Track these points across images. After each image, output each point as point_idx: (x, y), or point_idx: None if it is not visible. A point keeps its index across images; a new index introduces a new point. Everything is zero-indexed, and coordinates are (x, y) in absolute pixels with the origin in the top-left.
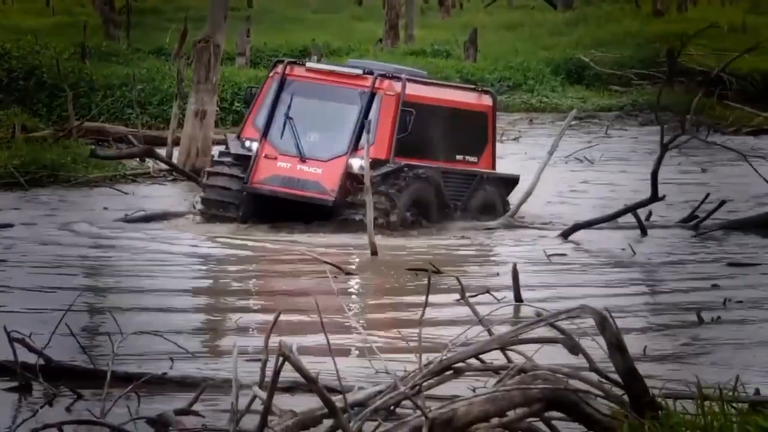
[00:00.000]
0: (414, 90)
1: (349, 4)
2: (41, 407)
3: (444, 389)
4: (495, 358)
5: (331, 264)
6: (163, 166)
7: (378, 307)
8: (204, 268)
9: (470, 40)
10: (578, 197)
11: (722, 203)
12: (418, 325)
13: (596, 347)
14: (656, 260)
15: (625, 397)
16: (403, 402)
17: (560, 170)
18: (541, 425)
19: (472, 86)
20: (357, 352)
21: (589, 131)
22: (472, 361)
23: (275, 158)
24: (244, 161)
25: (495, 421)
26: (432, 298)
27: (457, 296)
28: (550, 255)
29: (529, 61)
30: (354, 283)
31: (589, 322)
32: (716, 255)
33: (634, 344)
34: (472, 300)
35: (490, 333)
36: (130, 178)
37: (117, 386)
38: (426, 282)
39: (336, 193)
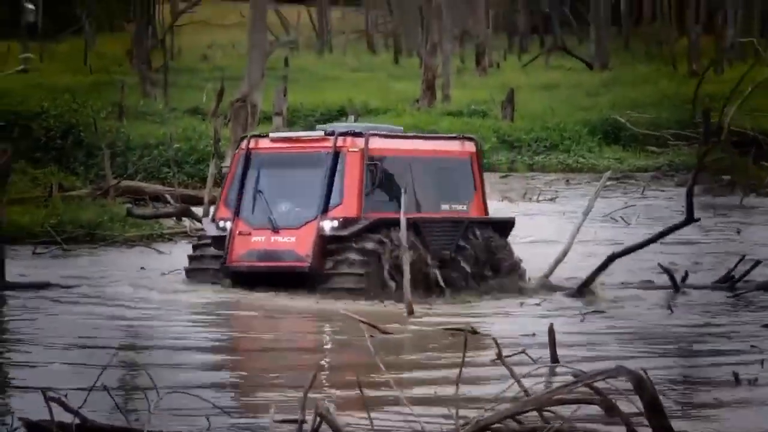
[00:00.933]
0: (380, 144)
1: (386, 64)
2: None
3: None
4: (532, 417)
5: (368, 323)
6: (200, 225)
7: (414, 365)
8: (237, 326)
9: (507, 100)
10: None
11: (757, 264)
12: (455, 384)
13: (633, 406)
14: (692, 320)
15: None
16: None
17: (596, 230)
18: None
19: (454, 135)
20: (394, 411)
21: (625, 191)
22: (509, 422)
23: (249, 234)
24: (221, 241)
25: None
26: (469, 358)
27: (493, 356)
28: (585, 313)
29: (566, 122)
30: (392, 342)
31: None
32: (753, 316)
33: (670, 403)
34: (508, 360)
35: (526, 393)
36: (167, 237)
37: None
38: (463, 342)
39: (311, 258)
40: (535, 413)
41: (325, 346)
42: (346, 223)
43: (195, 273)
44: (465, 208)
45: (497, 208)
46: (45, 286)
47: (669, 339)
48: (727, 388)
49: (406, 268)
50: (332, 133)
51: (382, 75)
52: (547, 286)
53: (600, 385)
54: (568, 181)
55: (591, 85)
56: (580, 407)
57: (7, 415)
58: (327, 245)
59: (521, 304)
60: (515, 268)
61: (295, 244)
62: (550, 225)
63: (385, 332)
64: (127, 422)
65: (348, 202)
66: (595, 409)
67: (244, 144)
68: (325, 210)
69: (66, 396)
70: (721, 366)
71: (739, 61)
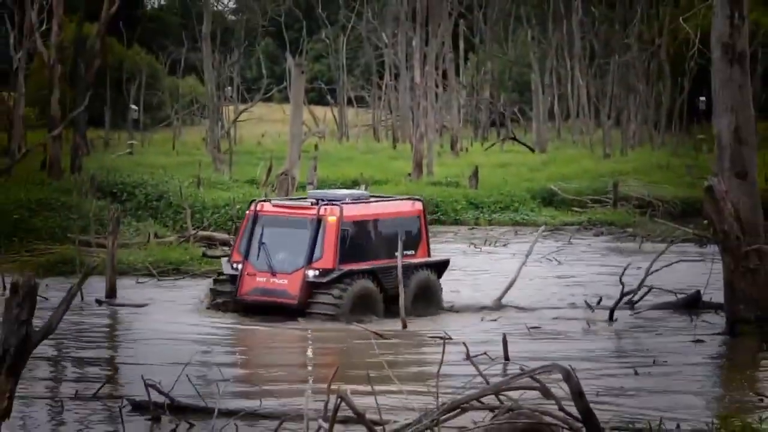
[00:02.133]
0: (352, 211)
1: (386, 148)
2: None
3: (454, 422)
4: (491, 400)
5: (374, 332)
6: None
7: (407, 363)
8: (266, 340)
9: (473, 174)
10: (550, 286)
11: (650, 289)
12: (436, 376)
13: (563, 393)
14: (607, 332)
15: (584, 429)
16: (426, 431)
17: (536, 267)
18: None
19: (406, 197)
20: (392, 395)
21: (557, 239)
22: (475, 402)
23: (254, 275)
24: (234, 278)
25: None
26: (447, 357)
27: (463, 356)
28: (531, 327)
29: (515, 189)
30: (390, 347)
31: (558, 375)
32: (650, 328)
33: (589, 390)
34: (474, 359)
35: (487, 382)
36: None
37: (222, 418)
38: (442, 346)
39: (298, 296)
40: (493, 397)
41: (343, 353)
42: (325, 272)
43: (214, 301)
44: (413, 252)
45: (463, 250)
46: (144, 305)
47: (585, 346)
48: (629, 379)
49: (402, 295)
50: (317, 203)
51: (383, 156)
52: (498, 308)
53: (540, 377)
54: (516, 232)
55: (533, 164)
56: (525, 392)
57: (117, 398)
58: (311, 288)
59: (482, 319)
60: (439, 298)
61: (288, 285)
62: (505, 263)
63: (385, 338)
64: (204, 403)
65: (326, 257)
66: (536, 394)
67: (252, 207)
68: (309, 261)
69: (160, 383)
70: (625, 363)
71: (639, 146)
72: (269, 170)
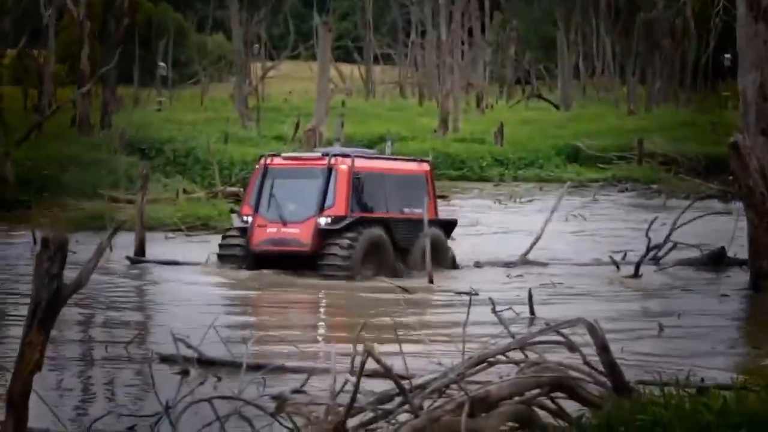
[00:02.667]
0: (362, 163)
1: (413, 105)
2: (196, 387)
3: (480, 376)
4: (516, 354)
5: (401, 288)
6: None
7: (433, 318)
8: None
9: (498, 131)
10: (575, 242)
11: (675, 245)
12: (462, 331)
13: (589, 348)
14: (632, 286)
15: (609, 383)
16: (452, 385)
17: (561, 223)
18: (549, 403)
19: (413, 158)
20: (419, 349)
21: (582, 195)
22: (500, 356)
23: (265, 225)
24: (244, 231)
25: (516, 399)
26: (472, 313)
27: (489, 312)
28: (556, 283)
29: (540, 146)
30: (416, 302)
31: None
32: (677, 283)
33: (614, 345)
34: (501, 314)
35: (512, 337)
36: None
37: (249, 373)
38: (468, 301)
39: (310, 243)
40: (519, 351)
41: (371, 307)
42: (337, 219)
43: (223, 255)
44: (421, 211)
45: (489, 206)
46: (174, 263)
47: (610, 301)
48: (653, 334)
49: (428, 249)
50: (327, 154)
51: (410, 113)
52: (525, 262)
53: (565, 331)
54: (541, 188)
55: (558, 121)
56: (550, 347)
57: (146, 352)
58: (323, 235)
59: (508, 275)
60: (449, 255)
61: (299, 234)
62: (531, 219)
63: (411, 293)
64: (231, 357)
65: (338, 204)
66: (561, 348)
67: (262, 161)
68: (321, 209)
69: (188, 337)
70: (649, 319)
71: (663, 103)
72: (296, 126)
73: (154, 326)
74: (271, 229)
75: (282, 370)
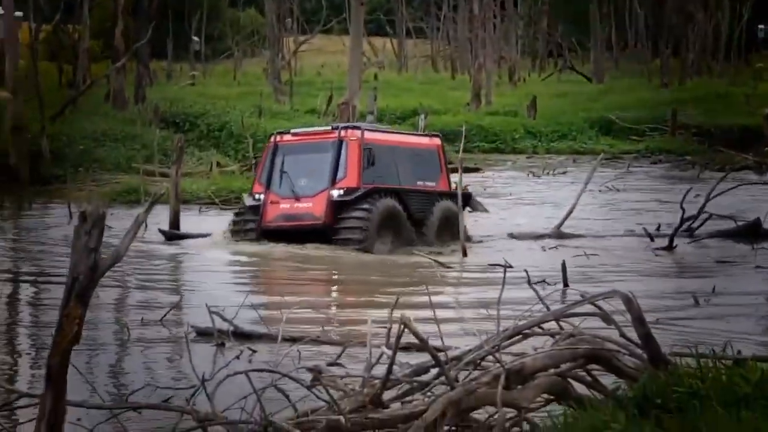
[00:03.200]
0: (372, 135)
1: (445, 79)
2: (232, 360)
3: (515, 348)
4: (551, 326)
5: (436, 261)
6: None
7: (468, 290)
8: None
9: (531, 104)
10: (608, 214)
11: (710, 216)
12: (497, 303)
13: (624, 320)
14: (663, 259)
15: (644, 355)
16: (487, 357)
17: (594, 195)
18: (584, 375)
19: (423, 133)
20: (454, 321)
21: (615, 167)
22: (535, 328)
23: (278, 202)
24: (257, 209)
25: (552, 371)
26: (506, 285)
27: (524, 283)
28: (590, 254)
29: (573, 119)
30: (451, 275)
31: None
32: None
33: (650, 317)
34: (535, 286)
35: (547, 309)
36: None
37: (284, 345)
38: (503, 273)
39: (324, 216)
40: (554, 323)
41: (404, 279)
42: (349, 190)
43: (236, 233)
44: (434, 184)
45: (522, 179)
46: (206, 235)
47: (644, 273)
48: (688, 306)
49: (462, 222)
50: (337, 128)
51: (442, 87)
52: (559, 234)
53: (600, 303)
54: (574, 160)
55: (591, 93)
56: (585, 319)
57: (182, 325)
58: (336, 207)
59: (542, 247)
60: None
61: (312, 208)
62: (564, 191)
63: (447, 266)
64: (267, 330)
65: (350, 176)
66: (596, 320)
67: (272, 139)
68: (333, 181)
69: (223, 310)
70: (684, 291)
71: (697, 75)
72: (329, 100)
73: (189, 300)
74: (284, 205)
75: (317, 342)
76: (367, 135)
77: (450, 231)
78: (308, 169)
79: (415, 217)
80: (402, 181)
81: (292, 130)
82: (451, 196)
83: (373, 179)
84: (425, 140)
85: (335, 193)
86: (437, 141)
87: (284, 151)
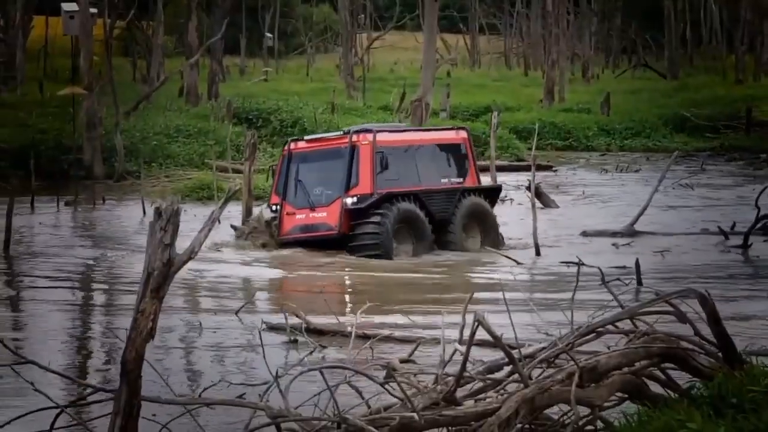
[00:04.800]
0: (385, 137)
1: (518, 76)
2: (305, 356)
3: (588, 346)
4: (626, 325)
5: (511, 258)
6: None
7: (542, 288)
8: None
9: (605, 101)
10: (682, 212)
11: None
12: (570, 301)
13: (699, 318)
14: (741, 256)
15: (720, 353)
16: (561, 355)
17: (668, 193)
18: (658, 373)
19: (449, 126)
20: (527, 319)
21: (690, 165)
22: (609, 326)
23: (294, 213)
24: (273, 221)
25: (626, 369)
26: (580, 283)
27: (597, 281)
28: (663, 252)
29: (647, 116)
30: (524, 272)
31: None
32: None
33: (725, 314)
34: (609, 284)
35: (621, 307)
36: None
37: (358, 342)
38: (576, 271)
39: (338, 226)
40: (628, 321)
41: (478, 278)
42: (363, 197)
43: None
44: (461, 180)
45: (595, 178)
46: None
47: (719, 271)
48: (763, 305)
49: (535, 219)
50: (349, 132)
51: (515, 83)
52: (632, 232)
53: (674, 301)
54: (648, 158)
55: (665, 90)
56: (659, 317)
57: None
58: (350, 216)
59: (615, 245)
60: (495, 224)
61: (327, 217)
62: (636, 188)
63: (521, 264)
64: (339, 325)
65: (363, 182)
66: (670, 318)
67: (286, 147)
68: (347, 189)
69: (296, 307)
70: (759, 289)
71: None
72: (402, 97)
73: (262, 295)
74: (300, 216)
75: (390, 339)
76: (381, 137)
77: (481, 228)
78: (322, 177)
79: (437, 218)
80: (422, 181)
81: (306, 137)
82: (480, 191)
83: (389, 183)
84: (450, 134)
85: (348, 200)
86: (464, 134)
87: (298, 159)
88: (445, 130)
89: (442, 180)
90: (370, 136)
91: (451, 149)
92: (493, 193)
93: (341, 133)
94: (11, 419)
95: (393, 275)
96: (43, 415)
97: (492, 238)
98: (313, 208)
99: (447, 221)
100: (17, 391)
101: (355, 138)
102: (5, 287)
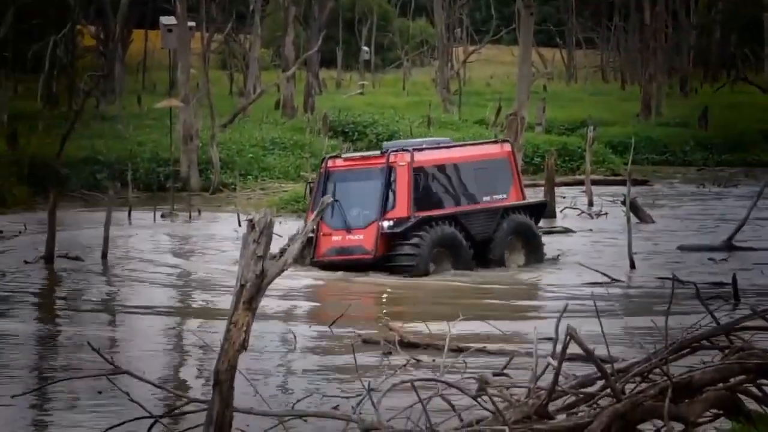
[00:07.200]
0: (424, 156)
1: (614, 90)
2: (399, 368)
3: (683, 362)
4: (720, 340)
5: (603, 274)
6: None
7: (635, 302)
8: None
9: (702, 115)
10: None
11: None
12: (665, 316)
13: None
14: None
15: None
16: (654, 370)
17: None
18: (754, 390)
19: (492, 140)
20: (620, 333)
21: None
22: (704, 342)
23: (330, 234)
24: (311, 240)
25: (720, 385)
26: (675, 298)
27: (693, 297)
28: (761, 266)
29: (746, 130)
30: (615, 286)
31: None
32: None
33: None
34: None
35: (717, 322)
36: None
37: (451, 355)
38: (671, 286)
39: (374, 251)
40: (723, 337)
41: (573, 291)
42: (399, 221)
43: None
44: (504, 196)
45: (691, 192)
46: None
47: None
48: None
49: (629, 232)
50: (386, 151)
51: (611, 97)
52: (729, 247)
53: None
54: (746, 173)
55: (764, 104)
56: (756, 333)
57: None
58: (387, 240)
59: (712, 260)
60: (540, 241)
61: (363, 241)
62: (736, 202)
63: (615, 279)
64: (431, 339)
65: (400, 205)
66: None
67: (323, 164)
68: (383, 212)
69: (389, 320)
70: None
71: None
72: (498, 111)
73: (355, 308)
74: (336, 238)
75: (483, 353)
76: (419, 157)
77: (526, 246)
78: (359, 198)
79: (478, 239)
80: (463, 200)
81: (343, 155)
82: (524, 208)
83: (427, 204)
84: (493, 149)
85: (385, 224)
86: (508, 148)
87: (335, 178)
88: (488, 144)
89: (484, 198)
90: (407, 156)
91: (494, 164)
92: (537, 210)
93: (378, 153)
94: (106, 429)
95: (480, 286)
96: (139, 424)
97: (538, 255)
98: (349, 230)
99: (489, 240)
100: (113, 400)
101: (392, 158)
102: (102, 295)
